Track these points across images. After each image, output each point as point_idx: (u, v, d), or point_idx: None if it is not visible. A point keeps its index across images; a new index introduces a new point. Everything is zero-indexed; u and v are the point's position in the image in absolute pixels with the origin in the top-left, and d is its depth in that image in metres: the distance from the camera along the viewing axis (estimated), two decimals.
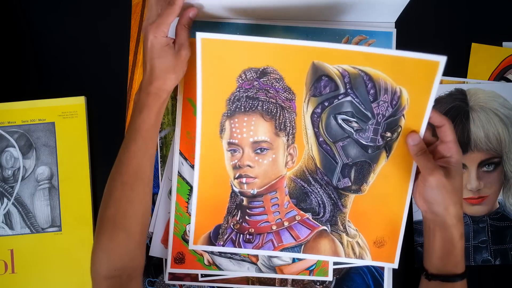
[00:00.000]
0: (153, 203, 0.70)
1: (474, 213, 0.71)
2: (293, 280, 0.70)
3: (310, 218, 0.67)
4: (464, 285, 0.62)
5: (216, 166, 0.66)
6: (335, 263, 0.69)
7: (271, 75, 0.62)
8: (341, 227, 0.67)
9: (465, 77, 0.73)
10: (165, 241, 0.70)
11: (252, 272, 0.69)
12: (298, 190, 0.66)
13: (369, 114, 0.62)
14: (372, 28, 0.72)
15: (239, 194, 0.67)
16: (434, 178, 0.58)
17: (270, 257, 0.69)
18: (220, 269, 0.69)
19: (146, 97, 0.61)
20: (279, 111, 0.64)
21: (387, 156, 0.64)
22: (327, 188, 0.66)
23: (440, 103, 0.72)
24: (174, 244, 0.69)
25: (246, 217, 0.67)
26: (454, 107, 0.72)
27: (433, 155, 0.61)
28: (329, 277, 0.69)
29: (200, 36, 0.59)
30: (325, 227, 0.67)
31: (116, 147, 0.63)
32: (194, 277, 0.69)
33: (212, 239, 0.68)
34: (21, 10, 0.75)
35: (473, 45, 0.73)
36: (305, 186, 0.66)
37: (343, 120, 0.62)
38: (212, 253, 0.69)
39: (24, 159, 0.71)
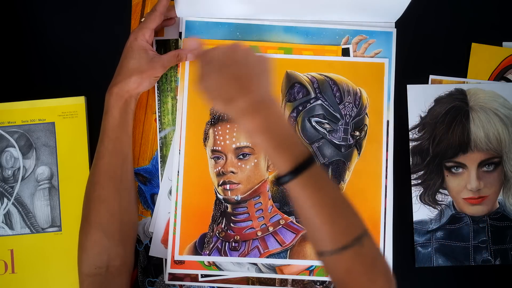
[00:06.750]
0: (153, 203, 0.70)
1: (474, 213, 0.71)
2: (293, 280, 0.69)
3: (294, 221, 0.69)
4: (298, 184, 0.51)
5: (200, 174, 0.69)
6: None
7: None
8: None
9: (465, 77, 0.73)
10: (165, 241, 0.69)
11: (252, 272, 0.69)
12: (280, 193, 0.69)
13: (338, 115, 0.70)
14: (372, 28, 0.72)
15: (223, 201, 0.69)
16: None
17: None
18: (220, 269, 0.69)
19: (108, 98, 0.64)
20: None
21: (359, 154, 0.70)
22: None
23: (440, 103, 0.72)
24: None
25: (231, 224, 0.69)
26: (454, 107, 0.72)
27: None
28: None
29: None
30: None
31: None
32: (194, 277, 0.69)
33: (197, 249, 0.68)
34: (22, 10, 0.75)
35: (473, 45, 0.73)
36: None
37: (317, 122, 0.69)
38: None
39: (24, 159, 0.71)
